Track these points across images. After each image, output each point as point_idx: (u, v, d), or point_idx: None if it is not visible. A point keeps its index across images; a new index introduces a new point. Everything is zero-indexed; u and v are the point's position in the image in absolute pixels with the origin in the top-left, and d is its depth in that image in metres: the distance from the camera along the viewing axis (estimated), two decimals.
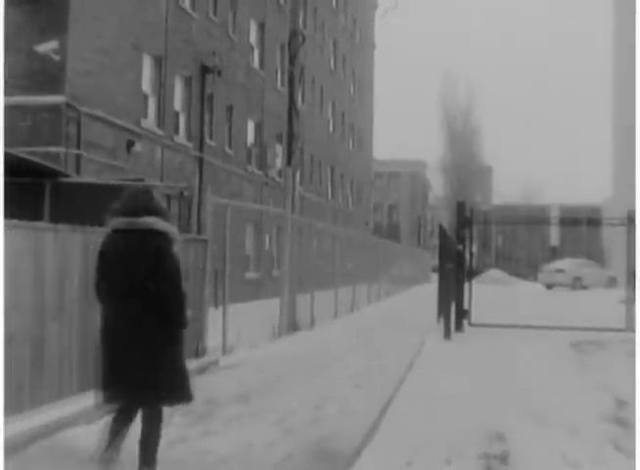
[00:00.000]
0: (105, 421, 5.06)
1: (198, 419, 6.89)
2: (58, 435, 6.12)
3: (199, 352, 9.85)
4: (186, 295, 4.78)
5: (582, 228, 50.73)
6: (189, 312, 4.95)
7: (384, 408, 7.50)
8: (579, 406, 7.60)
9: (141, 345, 4.64)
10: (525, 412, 7.19)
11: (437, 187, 77.06)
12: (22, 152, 11.09)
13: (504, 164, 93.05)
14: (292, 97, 14.85)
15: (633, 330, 13.01)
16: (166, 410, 4.96)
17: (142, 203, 4.76)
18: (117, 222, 4.78)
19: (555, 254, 53.46)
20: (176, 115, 20.47)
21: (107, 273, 4.81)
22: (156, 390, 4.68)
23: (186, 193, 11.45)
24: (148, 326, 4.66)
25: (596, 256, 49.84)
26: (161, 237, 4.75)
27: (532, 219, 41.73)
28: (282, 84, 28.63)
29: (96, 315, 7.36)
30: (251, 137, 26.71)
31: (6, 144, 8.53)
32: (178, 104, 20.60)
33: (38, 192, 11.03)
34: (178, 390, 4.77)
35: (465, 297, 14.83)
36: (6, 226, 5.92)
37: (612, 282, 37.81)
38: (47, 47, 14.69)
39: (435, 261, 29.87)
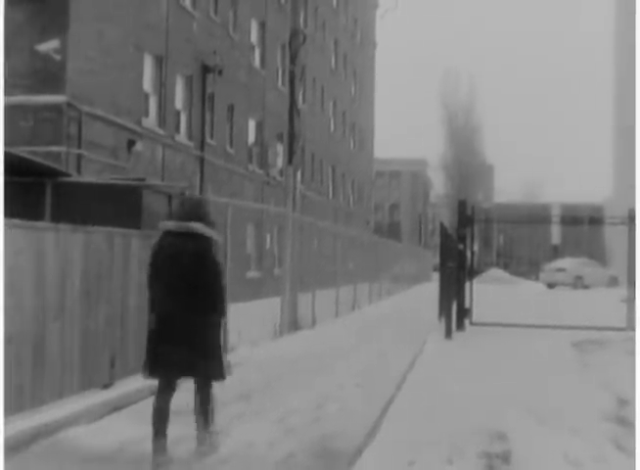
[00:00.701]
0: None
1: None
2: (59, 434, 6.12)
3: None
4: (225, 288, 5.67)
5: (584, 227, 50.74)
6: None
7: (385, 407, 7.50)
8: (581, 405, 7.60)
9: (188, 329, 5.45)
10: (527, 411, 7.18)
11: (439, 186, 77.07)
12: (23, 151, 11.08)
13: (505, 163, 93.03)
14: (293, 96, 14.84)
15: (634, 329, 12.99)
16: None
17: (193, 210, 5.67)
18: (170, 225, 5.66)
19: (556, 252, 53.48)
20: (177, 114, 20.46)
21: (160, 269, 5.59)
22: (199, 368, 5.53)
23: (187, 192, 11.44)
24: (194, 314, 5.48)
25: (597, 254, 49.85)
26: (207, 240, 5.63)
27: (534, 218, 41.74)
28: (283, 83, 28.62)
29: (97, 315, 7.39)
30: (251, 136, 26.70)
31: (7, 143, 8.53)
32: (179, 103, 20.59)
33: (39, 192, 11.02)
34: (216, 369, 5.63)
35: (466, 296, 14.82)
36: (7, 226, 5.92)
37: (613, 281, 37.79)
38: (48, 46, 14.68)
39: (437, 260, 29.90)
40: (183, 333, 5.44)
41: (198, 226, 5.58)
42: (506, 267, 49.74)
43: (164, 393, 5.59)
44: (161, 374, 5.56)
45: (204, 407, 5.69)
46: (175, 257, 5.52)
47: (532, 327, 14.47)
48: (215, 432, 5.83)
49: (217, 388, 8.36)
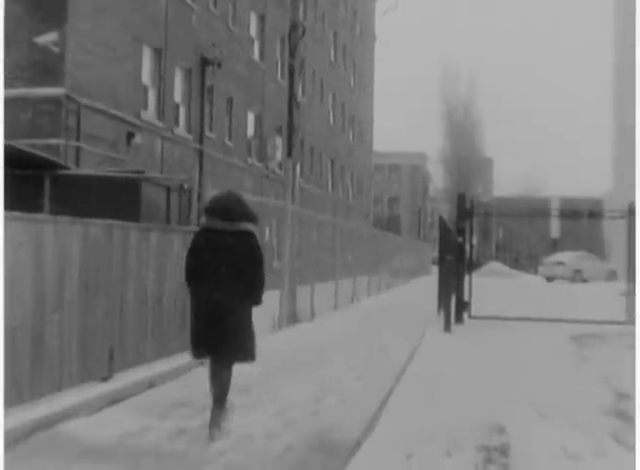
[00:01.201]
0: None
1: (198, 411, 6.89)
2: (57, 427, 6.12)
3: None
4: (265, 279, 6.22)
5: (583, 221, 50.69)
6: None
7: (384, 400, 7.50)
8: (580, 399, 7.61)
9: (229, 314, 6.02)
10: (526, 405, 7.19)
11: (438, 179, 77.08)
12: (22, 144, 11.07)
13: (505, 156, 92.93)
14: (292, 89, 14.81)
15: (633, 323, 12.99)
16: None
17: (240, 209, 6.13)
18: (215, 223, 6.11)
19: (555, 246, 53.48)
20: (176, 107, 20.43)
21: (207, 260, 6.07)
22: (236, 350, 6.11)
23: (186, 185, 11.43)
24: (235, 301, 6.05)
25: (596, 248, 49.89)
26: (252, 237, 6.13)
27: (533, 212, 41.66)
28: (282, 76, 28.56)
29: (95, 307, 7.38)
30: (251, 129, 26.67)
31: (6, 136, 8.50)
32: (178, 96, 20.56)
33: (38, 184, 11.02)
34: (251, 351, 6.24)
35: (465, 289, 14.83)
36: (6, 218, 5.90)
37: (612, 275, 37.82)
38: (47, 39, 14.64)
39: (436, 254, 29.87)
40: (225, 317, 6.00)
41: (246, 225, 6.12)
42: (505, 261, 49.71)
43: (216, 365, 6.21)
44: (205, 355, 6.24)
45: (222, 391, 6.16)
46: (225, 250, 6.02)
47: (531, 320, 14.49)
48: (230, 411, 6.31)
49: None
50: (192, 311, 6.23)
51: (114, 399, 7.12)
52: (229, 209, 6.13)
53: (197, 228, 10.33)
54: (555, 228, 58.74)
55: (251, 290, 6.14)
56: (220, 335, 6.02)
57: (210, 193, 10.51)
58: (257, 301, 6.25)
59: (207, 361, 6.44)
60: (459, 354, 10.66)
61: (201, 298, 6.12)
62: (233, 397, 7.62)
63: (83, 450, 5.63)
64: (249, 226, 6.14)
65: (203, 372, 8.99)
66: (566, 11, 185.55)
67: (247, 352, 6.21)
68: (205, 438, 5.94)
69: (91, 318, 7.34)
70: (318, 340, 12.17)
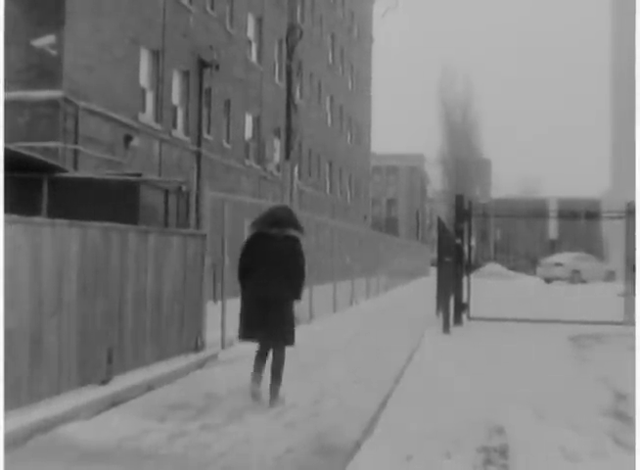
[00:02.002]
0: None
1: (197, 413, 6.89)
2: (56, 430, 6.11)
3: (198, 347, 9.84)
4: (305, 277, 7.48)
5: (581, 221, 50.73)
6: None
7: (383, 402, 7.50)
8: (578, 400, 7.61)
9: (275, 306, 7.24)
10: (525, 406, 7.19)
11: (436, 181, 77.15)
12: (19, 147, 11.06)
13: (503, 158, 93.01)
14: (290, 91, 14.82)
15: (632, 323, 13.00)
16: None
17: (289, 219, 7.49)
18: (267, 229, 7.39)
19: (553, 247, 53.52)
20: (174, 109, 20.42)
21: (259, 261, 7.31)
22: (281, 335, 7.33)
23: (184, 187, 11.42)
24: (281, 295, 7.29)
25: (595, 249, 49.90)
26: (297, 242, 7.46)
27: (531, 213, 41.72)
28: (280, 78, 28.57)
29: (94, 310, 7.38)
30: (248, 131, 26.66)
31: (4, 139, 8.50)
32: (176, 98, 20.55)
33: (36, 187, 11.00)
34: (292, 336, 7.42)
35: (464, 290, 14.83)
36: (4, 221, 5.89)
37: (610, 276, 37.84)
38: (44, 42, 14.63)
39: (434, 255, 29.86)
40: (273, 309, 7.21)
41: (292, 231, 7.43)
42: (503, 262, 49.71)
43: (263, 347, 7.46)
44: (252, 337, 7.39)
45: (277, 368, 7.31)
46: (276, 254, 7.28)
47: (530, 322, 14.49)
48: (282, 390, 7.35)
49: (216, 383, 8.38)
50: (243, 303, 7.40)
51: (113, 402, 7.12)
52: (280, 217, 7.46)
53: (195, 231, 10.38)
54: (553, 229, 58.79)
55: (294, 286, 7.37)
56: (268, 324, 7.21)
57: (211, 196, 10.54)
58: (298, 296, 7.48)
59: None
60: (458, 356, 10.66)
61: (252, 292, 7.31)
62: (232, 399, 7.63)
63: (82, 454, 5.62)
64: (295, 233, 7.44)
65: (201, 375, 9.02)
66: (564, 11, 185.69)
67: (289, 338, 7.39)
68: (276, 397, 7.22)
69: (90, 321, 7.33)
70: (317, 342, 12.16)
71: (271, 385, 7.28)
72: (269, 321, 7.21)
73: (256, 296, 7.27)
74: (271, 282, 7.24)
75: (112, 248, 7.73)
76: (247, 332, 7.38)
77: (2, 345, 5.77)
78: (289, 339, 7.39)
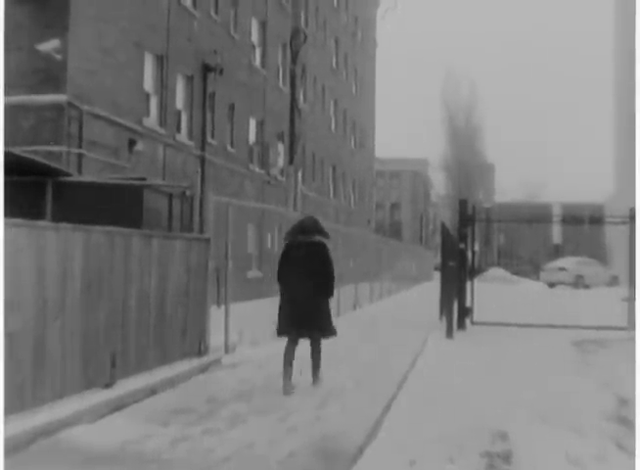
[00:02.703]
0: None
1: (200, 418, 6.90)
2: (60, 434, 6.12)
3: (201, 351, 9.85)
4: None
5: (585, 226, 50.69)
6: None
7: (387, 406, 7.50)
8: (582, 405, 7.60)
9: (312, 303, 8.29)
10: (528, 411, 7.18)
11: (439, 185, 77.08)
12: (24, 151, 11.08)
13: (506, 162, 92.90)
14: (293, 95, 14.85)
15: (635, 328, 12.98)
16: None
17: (314, 226, 8.67)
18: (298, 238, 8.53)
19: (557, 252, 53.48)
20: (178, 113, 20.45)
21: (293, 265, 8.39)
22: (320, 328, 8.44)
23: (188, 192, 11.44)
24: (316, 293, 8.32)
25: (598, 254, 49.88)
26: (324, 247, 8.55)
27: (535, 217, 41.71)
28: (284, 83, 28.60)
29: (97, 314, 7.39)
30: (252, 136, 26.67)
31: (8, 143, 8.53)
32: (180, 103, 20.58)
33: (40, 191, 11.02)
34: (331, 329, 8.53)
35: (467, 295, 14.82)
36: (7, 225, 5.91)
37: (614, 280, 37.80)
38: (49, 46, 14.66)
39: (438, 260, 29.83)
40: (308, 306, 8.25)
41: (320, 238, 8.55)
42: (507, 267, 49.66)
43: (292, 344, 8.41)
44: (288, 333, 8.39)
45: (316, 356, 8.53)
46: (306, 257, 8.34)
47: (533, 326, 14.48)
48: (320, 374, 8.64)
49: (219, 387, 8.38)
50: (281, 303, 8.44)
51: (117, 406, 7.13)
52: (306, 226, 8.64)
53: (198, 235, 10.40)
54: (557, 234, 58.77)
55: (325, 285, 8.38)
56: (307, 319, 8.29)
57: (214, 200, 10.56)
58: (330, 292, 8.49)
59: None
60: (461, 361, 10.65)
61: (290, 292, 8.35)
62: (233, 404, 7.64)
63: (85, 458, 5.63)
64: (321, 239, 8.54)
65: (203, 379, 9.02)
66: (568, 13, 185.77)
67: (329, 330, 8.50)
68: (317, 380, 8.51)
69: (93, 325, 7.34)
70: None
71: (312, 370, 8.53)
72: (305, 317, 8.25)
73: (291, 296, 8.30)
74: (303, 283, 8.23)
75: (115, 252, 7.74)
76: (285, 328, 8.38)
77: (2, 348, 5.78)
78: (328, 331, 8.47)
